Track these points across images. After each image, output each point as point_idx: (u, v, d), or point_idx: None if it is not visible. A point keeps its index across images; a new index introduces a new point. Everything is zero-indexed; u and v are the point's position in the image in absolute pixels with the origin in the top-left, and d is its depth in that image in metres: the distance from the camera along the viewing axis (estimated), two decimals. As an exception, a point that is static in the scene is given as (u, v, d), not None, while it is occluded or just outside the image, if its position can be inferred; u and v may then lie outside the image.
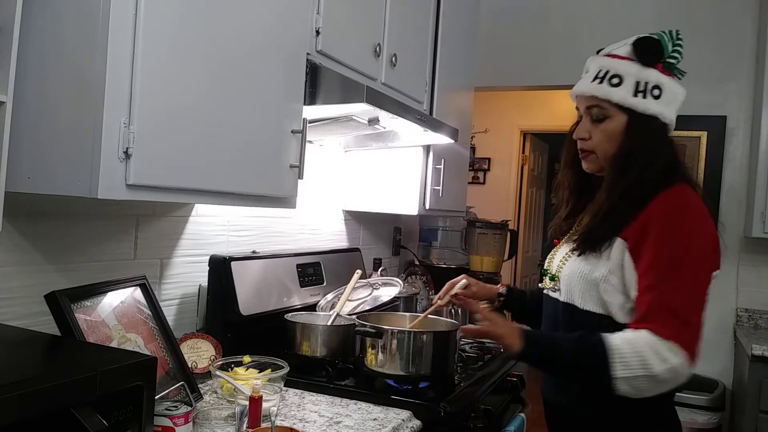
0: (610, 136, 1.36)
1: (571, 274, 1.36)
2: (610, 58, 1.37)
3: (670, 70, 1.36)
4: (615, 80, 1.34)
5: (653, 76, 1.33)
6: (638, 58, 1.34)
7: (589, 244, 1.33)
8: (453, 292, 1.62)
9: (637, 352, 1.19)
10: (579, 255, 1.35)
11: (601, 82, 1.35)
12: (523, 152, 5.75)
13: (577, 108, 1.43)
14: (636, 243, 1.27)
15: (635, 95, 1.33)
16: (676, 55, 1.36)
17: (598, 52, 1.44)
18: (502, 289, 1.70)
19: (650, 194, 1.29)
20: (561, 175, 1.54)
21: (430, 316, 1.68)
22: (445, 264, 3.22)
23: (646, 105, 1.33)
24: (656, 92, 1.33)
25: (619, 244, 1.29)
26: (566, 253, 1.42)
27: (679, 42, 1.36)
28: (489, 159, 5.65)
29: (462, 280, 1.64)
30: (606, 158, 1.38)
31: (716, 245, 1.31)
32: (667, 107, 1.34)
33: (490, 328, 1.36)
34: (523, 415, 1.91)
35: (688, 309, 1.22)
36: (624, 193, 1.31)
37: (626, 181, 1.32)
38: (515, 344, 1.32)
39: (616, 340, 1.22)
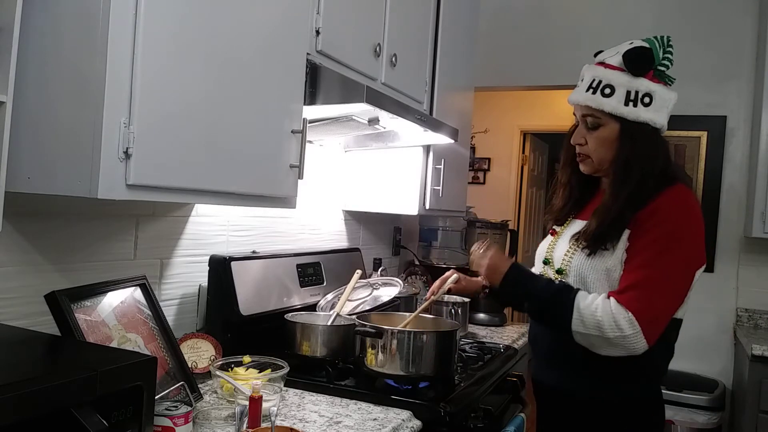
0: (604, 142, 1.45)
1: (581, 266, 1.44)
2: (603, 68, 1.44)
3: (660, 78, 1.43)
4: (607, 90, 1.41)
5: (643, 85, 1.40)
6: (628, 69, 1.40)
7: (600, 244, 1.42)
8: (446, 287, 1.71)
9: (596, 316, 1.35)
10: (589, 255, 1.43)
11: (594, 92, 1.42)
12: (523, 152, 5.74)
13: (574, 113, 1.51)
14: (638, 228, 1.38)
15: (626, 104, 1.40)
16: (666, 63, 1.42)
17: (596, 55, 1.48)
18: (486, 282, 1.74)
19: (653, 194, 1.38)
20: (560, 173, 1.62)
21: (421, 314, 1.74)
22: (445, 264, 3.21)
23: (637, 113, 1.40)
24: (647, 100, 1.40)
25: (625, 233, 1.40)
26: (570, 249, 1.48)
27: (670, 49, 1.42)
28: (489, 159, 5.65)
29: (453, 275, 1.72)
30: (601, 162, 1.47)
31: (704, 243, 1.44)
32: (657, 113, 1.41)
33: (481, 261, 1.55)
34: (523, 415, 1.91)
35: (660, 292, 1.35)
36: (628, 199, 1.39)
37: (628, 187, 1.40)
38: (496, 279, 1.50)
39: (585, 300, 1.38)
